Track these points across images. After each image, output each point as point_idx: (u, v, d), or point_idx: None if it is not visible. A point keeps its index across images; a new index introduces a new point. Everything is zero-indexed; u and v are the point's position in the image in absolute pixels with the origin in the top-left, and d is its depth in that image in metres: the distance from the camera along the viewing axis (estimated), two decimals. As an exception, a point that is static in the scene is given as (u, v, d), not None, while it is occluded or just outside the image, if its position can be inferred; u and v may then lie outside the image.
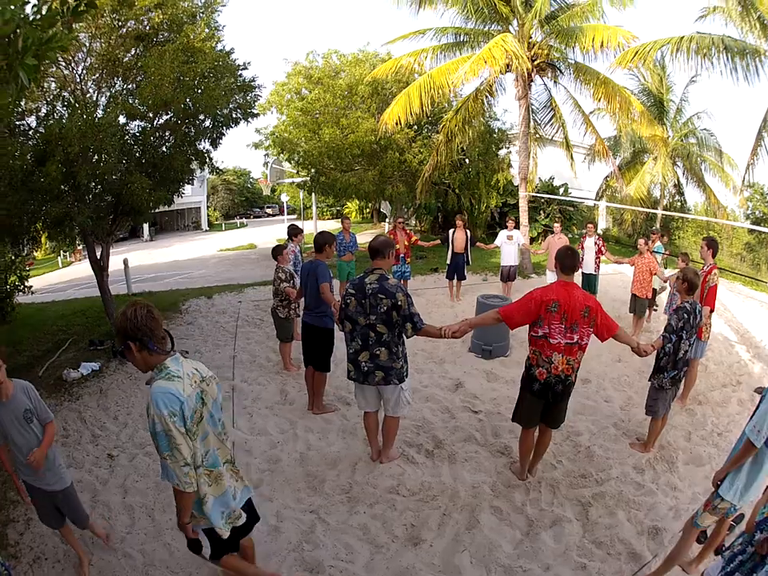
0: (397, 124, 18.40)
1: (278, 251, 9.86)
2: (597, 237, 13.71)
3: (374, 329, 6.05)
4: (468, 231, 14.83)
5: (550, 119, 20.74)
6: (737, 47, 14.08)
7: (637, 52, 15.18)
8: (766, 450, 4.00)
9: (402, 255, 13.88)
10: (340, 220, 15.49)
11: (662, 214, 27.48)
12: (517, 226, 16.46)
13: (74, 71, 10.24)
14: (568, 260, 5.72)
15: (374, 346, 6.10)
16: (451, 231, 14.68)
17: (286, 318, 9.86)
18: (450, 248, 14.63)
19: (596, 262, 13.66)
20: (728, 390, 9.54)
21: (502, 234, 15.07)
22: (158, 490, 6.42)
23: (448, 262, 14.86)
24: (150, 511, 6.03)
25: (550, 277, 14.04)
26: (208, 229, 55.66)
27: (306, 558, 5.23)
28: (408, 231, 14.37)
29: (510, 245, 14.82)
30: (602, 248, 13.62)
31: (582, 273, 13.70)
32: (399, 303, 5.88)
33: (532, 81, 18.50)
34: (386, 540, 5.54)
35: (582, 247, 13.66)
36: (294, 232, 12.01)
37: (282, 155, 23.72)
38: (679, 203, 30.06)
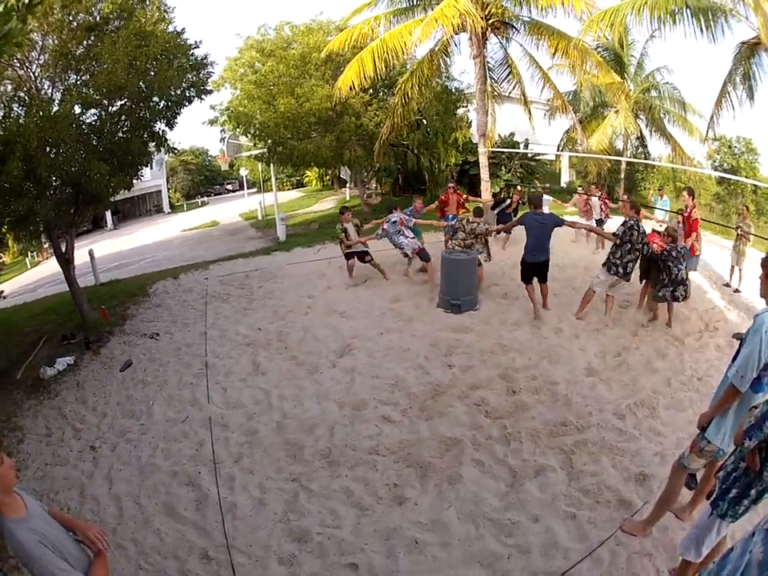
0: (351, 89, 18.23)
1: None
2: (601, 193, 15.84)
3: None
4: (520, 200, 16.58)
5: (507, 76, 20.43)
6: (700, 7, 14.08)
7: (603, 18, 15.09)
8: (751, 393, 4.00)
9: (452, 214, 14.93)
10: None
11: (627, 162, 27.55)
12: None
13: (29, 70, 10.10)
14: None
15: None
16: (508, 201, 16.62)
17: None
18: (502, 208, 16.29)
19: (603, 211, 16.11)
20: (705, 335, 9.59)
21: None
22: (141, 476, 6.42)
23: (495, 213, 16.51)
24: (137, 498, 6.02)
25: None
26: (170, 211, 54.50)
27: (292, 528, 5.26)
28: (459, 193, 15.77)
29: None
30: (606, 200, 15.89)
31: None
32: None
33: (487, 39, 18.27)
34: (370, 502, 5.58)
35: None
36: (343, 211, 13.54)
37: (238, 129, 23.47)
38: (643, 155, 30.04)
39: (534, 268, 10.18)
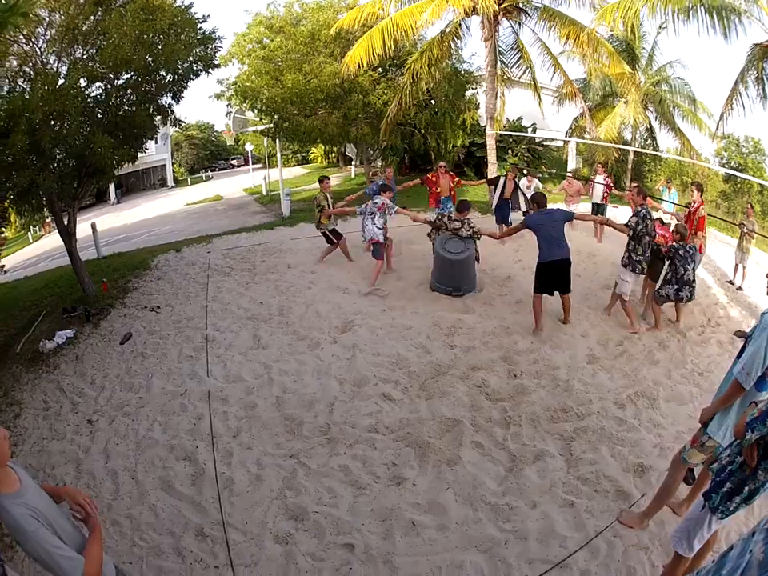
0: (359, 66, 18.27)
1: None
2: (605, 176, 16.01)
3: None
4: (516, 181, 15.30)
5: (518, 60, 20.54)
6: (714, 5, 13.95)
7: (618, 8, 14.98)
8: (755, 391, 3.99)
9: (446, 197, 14.08)
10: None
11: (634, 152, 27.61)
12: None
13: (35, 45, 9.97)
14: None
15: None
16: (502, 179, 15.06)
17: None
18: (499, 195, 14.98)
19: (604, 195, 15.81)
20: (707, 330, 9.56)
21: (522, 183, 15.76)
22: (138, 450, 6.38)
23: (494, 206, 15.39)
24: (133, 473, 5.99)
25: None
26: (174, 185, 54.40)
27: (289, 506, 5.25)
28: (452, 174, 14.51)
29: (529, 193, 15.09)
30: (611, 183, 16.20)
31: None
32: None
33: (498, 23, 18.22)
34: (368, 481, 5.56)
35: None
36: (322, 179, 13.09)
37: (244, 104, 23.35)
38: (651, 147, 30.11)
39: (553, 271, 8.69)
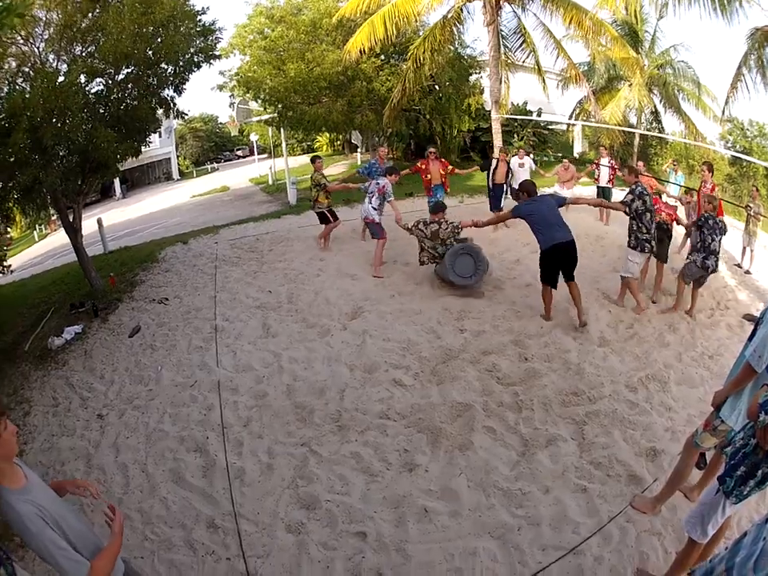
0: (362, 53, 18.27)
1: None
2: (609, 158, 16.05)
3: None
4: (508, 163, 14.91)
5: (521, 45, 20.39)
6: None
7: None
8: (767, 374, 3.88)
9: (436, 185, 13.76)
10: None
11: (640, 135, 27.53)
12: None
13: (33, 46, 9.98)
14: None
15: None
16: (494, 162, 14.83)
17: None
18: (491, 179, 14.75)
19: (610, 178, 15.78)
20: (716, 313, 9.51)
21: (514, 161, 15.27)
22: (148, 443, 6.38)
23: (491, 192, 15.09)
24: (144, 466, 5.98)
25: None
26: (179, 178, 54.23)
27: (301, 495, 5.22)
28: (443, 161, 14.22)
29: (523, 171, 15.03)
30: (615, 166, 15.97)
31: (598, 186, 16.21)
32: None
33: (501, 8, 18.06)
34: (380, 468, 5.53)
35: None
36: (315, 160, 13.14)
37: (247, 95, 23.39)
38: (657, 130, 30.08)
39: (559, 255, 8.22)
